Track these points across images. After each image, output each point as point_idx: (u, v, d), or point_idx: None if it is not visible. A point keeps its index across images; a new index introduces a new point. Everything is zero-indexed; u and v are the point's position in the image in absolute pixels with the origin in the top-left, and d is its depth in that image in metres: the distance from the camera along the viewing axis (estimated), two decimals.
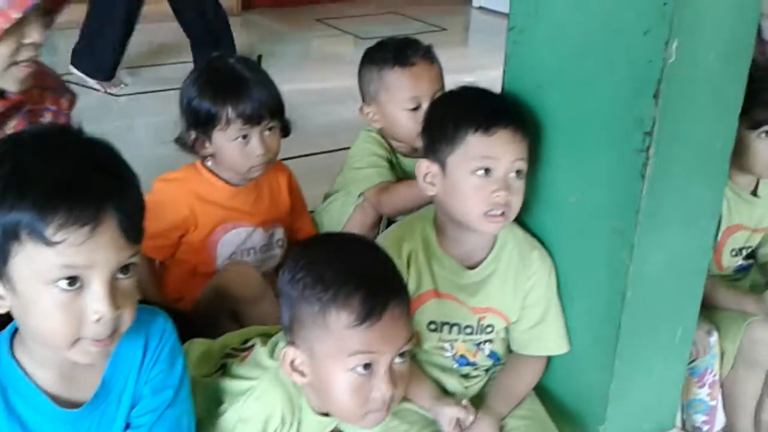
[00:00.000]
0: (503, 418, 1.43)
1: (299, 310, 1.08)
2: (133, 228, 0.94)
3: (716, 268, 1.89)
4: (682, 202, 1.35)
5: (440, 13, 5.19)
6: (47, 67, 1.61)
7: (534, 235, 1.49)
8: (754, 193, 1.88)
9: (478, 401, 1.45)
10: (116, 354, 1.06)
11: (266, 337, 1.24)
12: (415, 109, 1.71)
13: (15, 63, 1.37)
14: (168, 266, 1.73)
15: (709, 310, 1.82)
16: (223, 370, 1.22)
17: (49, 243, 0.88)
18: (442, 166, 1.35)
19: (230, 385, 1.18)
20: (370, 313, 1.03)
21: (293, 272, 1.09)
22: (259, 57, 4.12)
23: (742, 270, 1.94)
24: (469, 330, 1.45)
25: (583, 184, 1.39)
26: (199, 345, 1.30)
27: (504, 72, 1.48)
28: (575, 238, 1.44)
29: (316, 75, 3.97)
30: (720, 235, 1.85)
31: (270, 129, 1.60)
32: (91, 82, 3.49)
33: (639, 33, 1.23)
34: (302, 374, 1.10)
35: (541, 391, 1.52)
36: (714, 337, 1.79)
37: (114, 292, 0.94)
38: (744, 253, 1.92)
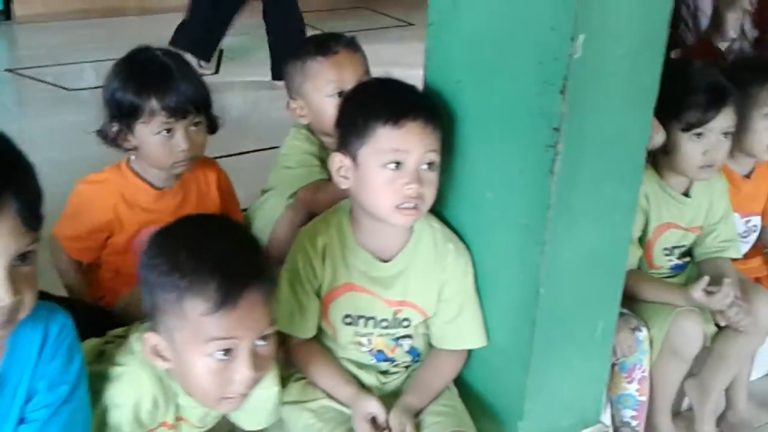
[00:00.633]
0: (419, 412, 1.43)
1: (157, 297, 1.08)
2: (31, 215, 0.95)
3: (648, 266, 1.90)
4: (593, 198, 1.35)
5: (408, 8, 5.18)
6: None
7: (453, 229, 1.49)
8: (687, 193, 1.89)
9: (396, 398, 1.44)
10: (13, 347, 1.05)
11: None
12: (340, 95, 1.70)
13: None
14: (93, 266, 1.71)
15: (638, 304, 1.84)
16: (99, 358, 1.21)
17: None
18: (354, 159, 1.35)
19: (102, 370, 1.18)
20: (225, 299, 1.03)
21: (150, 257, 1.09)
22: (221, 51, 4.11)
23: (677, 269, 1.95)
24: (384, 324, 1.45)
25: (498, 179, 1.39)
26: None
27: (425, 67, 1.48)
28: (491, 233, 1.44)
29: None
30: (650, 233, 1.86)
31: (196, 124, 1.58)
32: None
33: (546, 28, 1.23)
34: (165, 359, 1.11)
35: (461, 385, 1.53)
36: (643, 333, 1.80)
37: (12, 278, 0.94)
38: (677, 252, 1.93)
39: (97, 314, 1.54)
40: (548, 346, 1.43)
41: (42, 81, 3.75)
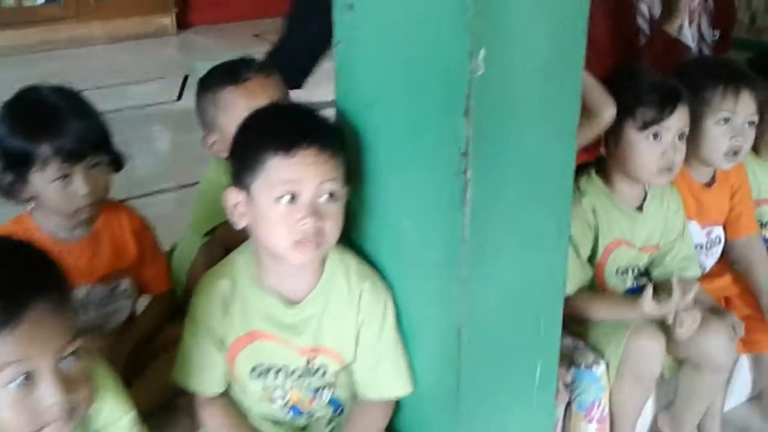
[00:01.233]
0: None
1: None
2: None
3: (600, 289, 1.77)
4: (515, 228, 1.22)
5: None
6: None
7: (373, 263, 1.36)
8: (640, 207, 1.76)
9: None
10: None
11: None
12: None
13: None
14: None
15: (590, 329, 1.71)
16: None
17: None
18: (248, 194, 1.22)
19: None
20: (6, 319, 0.90)
21: None
22: (185, 77, 4.01)
23: (634, 292, 1.81)
24: (297, 374, 1.31)
25: (414, 209, 1.26)
26: None
27: (335, 89, 1.36)
28: (410, 269, 1.31)
29: None
30: (600, 252, 1.73)
31: (95, 165, 1.44)
32: None
33: (444, 44, 1.10)
34: None
35: None
36: (600, 368, 1.66)
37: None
38: (633, 273, 1.80)
39: None
40: (479, 393, 1.29)
41: None
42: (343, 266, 1.32)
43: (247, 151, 1.21)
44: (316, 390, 1.34)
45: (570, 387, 1.63)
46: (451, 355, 1.25)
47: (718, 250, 2.00)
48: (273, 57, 3.51)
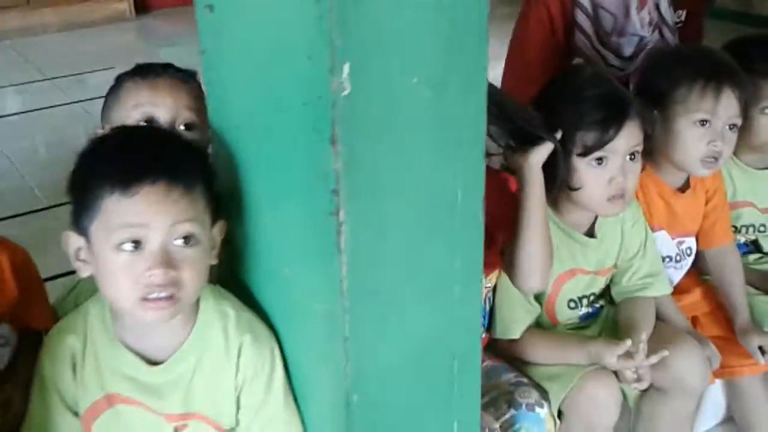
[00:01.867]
0: None
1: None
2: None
3: (551, 323, 1.56)
4: (410, 274, 1.01)
5: None
6: None
7: (260, 311, 1.16)
8: (591, 234, 1.55)
9: None
10: None
11: None
12: None
13: None
14: None
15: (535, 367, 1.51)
16: None
17: None
18: (87, 238, 1.02)
19: None
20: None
21: None
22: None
23: (588, 318, 1.61)
24: None
25: (291, 254, 1.05)
26: None
27: (207, 106, 1.15)
28: (294, 320, 1.10)
29: None
30: (549, 286, 1.52)
31: None
32: None
33: (303, 58, 0.89)
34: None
35: None
36: (544, 410, 1.46)
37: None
38: (586, 301, 1.59)
39: None
40: None
41: None
42: (219, 315, 1.11)
43: (83, 188, 1.01)
44: None
45: None
46: (340, 423, 1.05)
47: (688, 262, 1.79)
48: None
